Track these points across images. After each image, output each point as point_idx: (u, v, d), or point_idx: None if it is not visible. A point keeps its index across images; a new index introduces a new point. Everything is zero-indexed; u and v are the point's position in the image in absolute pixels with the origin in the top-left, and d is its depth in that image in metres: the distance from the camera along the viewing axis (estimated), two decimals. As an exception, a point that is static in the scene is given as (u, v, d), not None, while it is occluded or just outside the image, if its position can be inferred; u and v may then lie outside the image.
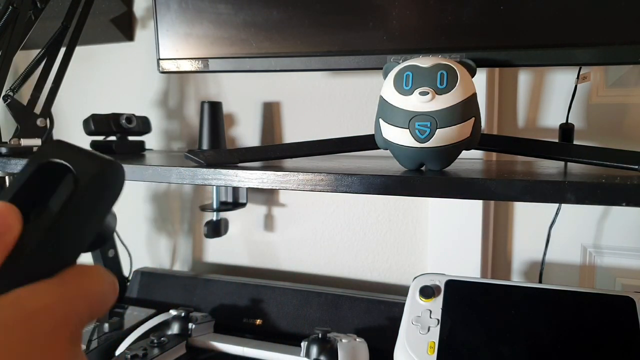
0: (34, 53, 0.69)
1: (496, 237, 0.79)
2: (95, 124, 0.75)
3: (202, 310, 0.80)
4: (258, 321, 0.79)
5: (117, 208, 0.99)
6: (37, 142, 0.68)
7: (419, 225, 0.81)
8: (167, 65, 0.62)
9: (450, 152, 0.43)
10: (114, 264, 0.95)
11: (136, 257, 1.01)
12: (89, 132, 0.76)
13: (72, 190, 0.22)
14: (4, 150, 0.63)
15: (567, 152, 0.48)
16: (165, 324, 0.71)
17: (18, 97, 0.67)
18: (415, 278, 0.62)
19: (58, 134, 1.01)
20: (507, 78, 0.74)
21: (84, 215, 0.22)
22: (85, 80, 1.03)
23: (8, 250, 0.20)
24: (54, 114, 0.71)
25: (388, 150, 0.46)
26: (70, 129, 1.04)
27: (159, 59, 0.62)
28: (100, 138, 0.79)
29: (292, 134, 0.88)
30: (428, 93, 0.41)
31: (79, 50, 0.72)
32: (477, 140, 0.44)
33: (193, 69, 0.61)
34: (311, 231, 0.88)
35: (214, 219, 0.86)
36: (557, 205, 0.71)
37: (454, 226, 0.76)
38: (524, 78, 0.74)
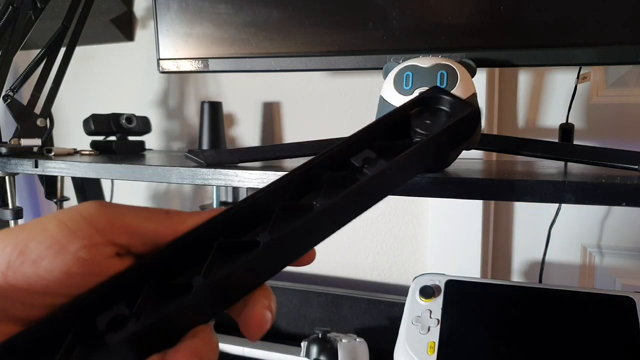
0: (34, 53, 0.69)
1: (496, 237, 0.79)
2: (95, 124, 0.75)
3: (202, 310, 0.80)
4: (258, 321, 0.78)
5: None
6: (37, 142, 0.68)
7: (419, 225, 0.81)
8: (167, 65, 0.62)
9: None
10: (114, 264, 0.95)
11: (136, 257, 1.01)
12: (89, 132, 0.76)
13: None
14: (4, 150, 0.63)
15: (567, 152, 0.48)
16: (165, 324, 0.71)
17: (18, 97, 0.67)
18: (415, 278, 0.62)
19: (58, 134, 1.01)
20: (507, 78, 0.74)
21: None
22: (85, 80, 1.03)
23: None
24: (54, 114, 0.71)
25: (388, 150, 0.46)
26: (70, 129, 1.04)
27: (159, 59, 0.62)
28: (101, 138, 0.78)
29: (292, 134, 0.88)
30: (428, 93, 0.41)
31: (79, 50, 0.72)
32: (477, 140, 0.44)
33: (193, 69, 0.61)
34: (311, 231, 0.88)
35: (214, 219, 0.86)
36: (557, 205, 0.71)
37: (454, 226, 0.76)
38: (524, 78, 0.74)
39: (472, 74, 0.45)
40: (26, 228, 0.22)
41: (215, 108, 0.81)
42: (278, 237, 0.23)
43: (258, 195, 0.25)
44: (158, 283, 0.23)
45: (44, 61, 0.69)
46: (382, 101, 0.44)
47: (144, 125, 0.81)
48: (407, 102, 0.28)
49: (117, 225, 0.22)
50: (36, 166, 0.60)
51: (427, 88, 0.41)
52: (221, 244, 0.24)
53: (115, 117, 0.77)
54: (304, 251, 0.25)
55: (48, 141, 0.71)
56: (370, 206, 0.26)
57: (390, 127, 0.28)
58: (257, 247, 0.23)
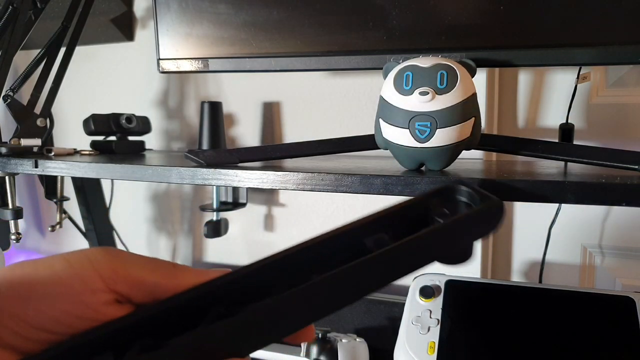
0: (34, 53, 0.69)
1: (496, 237, 0.79)
2: (95, 124, 0.75)
3: (202, 310, 0.80)
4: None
5: (117, 208, 0.99)
6: (37, 142, 0.68)
7: (419, 225, 0.81)
8: (167, 65, 0.62)
9: (450, 152, 0.43)
10: (114, 264, 0.95)
11: (136, 257, 1.01)
12: (89, 132, 0.76)
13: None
14: (4, 150, 0.63)
15: (567, 152, 0.48)
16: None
17: (18, 97, 0.67)
18: (415, 278, 0.62)
19: (58, 134, 1.01)
20: (507, 78, 0.74)
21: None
22: (85, 80, 1.03)
23: None
24: (54, 114, 0.71)
25: (388, 150, 0.46)
26: (70, 129, 1.04)
27: (159, 59, 0.62)
28: (100, 138, 0.79)
29: (292, 134, 0.88)
30: (428, 93, 0.41)
31: (79, 50, 0.72)
32: (477, 140, 0.44)
33: (193, 69, 0.61)
34: (311, 231, 0.88)
35: (214, 219, 0.86)
36: (557, 205, 0.71)
37: (454, 226, 0.76)
38: (524, 78, 0.74)
39: (472, 74, 0.45)
40: (35, 264, 0.22)
41: (215, 108, 0.81)
42: (268, 309, 0.23)
43: (263, 263, 0.24)
44: (151, 338, 0.22)
45: (44, 61, 0.69)
46: (382, 101, 0.44)
47: (144, 125, 0.81)
48: (429, 191, 0.28)
49: (120, 274, 0.23)
50: (36, 166, 0.60)
51: (427, 88, 0.41)
52: (218, 312, 0.23)
53: (115, 117, 0.77)
54: (296, 328, 0.24)
55: (48, 141, 0.71)
56: (374, 288, 0.24)
57: (408, 213, 0.27)
58: (245, 319, 0.22)
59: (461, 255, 0.27)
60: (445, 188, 0.28)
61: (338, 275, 0.23)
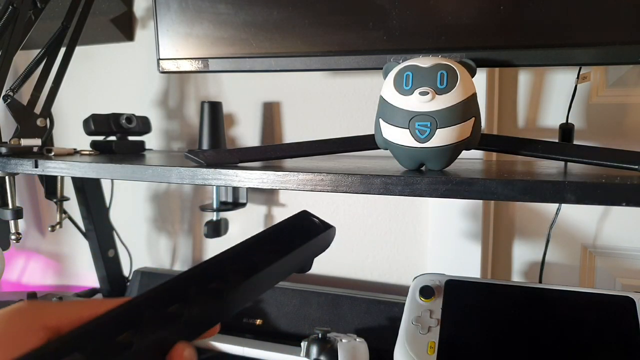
0: (34, 53, 0.69)
1: (496, 237, 0.79)
2: (95, 124, 0.75)
3: (202, 310, 0.80)
4: (258, 321, 0.79)
5: (117, 208, 0.99)
6: (37, 142, 0.68)
7: (419, 225, 0.81)
8: (167, 65, 0.62)
9: (450, 152, 0.43)
10: (114, 264, 0.95)
11: (136, 257, 1.01)
12: (89, 132, 0.76)
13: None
14: (4, 150, 0.63)
15: (567, 152, 0.48)
16: (165, 324, 0.71)
17: (18, 97, 0.67)
18: (415, 278, 0.62)
19: (58, 134, 1.01)
20: (507, 78, 0.74)
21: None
22: (85, 80, 1.03)
23: None
24: (54, 114, 0.71)
25: (388, 150, 0.46)
26: (70, 129, 1.04)
27: (159, 59, 0.62)
28: (100, 138, 0.79)
29: (292, 134, 0.88)
30: (428, 93, 0.41)
31: (79, 50, 0.72)
32: (477, 140, 0.44)
33: (193, 69, 0.61)
34: (311, 231, 0.88)
35: (214, 219, 0.86)
36: (557, 205, 0.71)
37: (454, 226, 0.76)
38: (524, 78, 0.74)
39: (472, 74, 0.45)
40: None
41: (215, 108, 0.81)
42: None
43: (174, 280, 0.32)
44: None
45: (44, 61, 0.69)
46: (382, 101, 0.44)
47: (144, 125, 0.81)
48: (290, 217, 0.37)
49: (47, 312, 0.29)
50: (36, 166, 0.60)
51: (427, 88, 0.41)
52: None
53: (115, 117, 0.77)
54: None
55: (48, 141, 0.71)
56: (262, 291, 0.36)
57: (278, 233, 0.37)
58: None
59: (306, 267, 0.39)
60: (296, 218, 0.38)
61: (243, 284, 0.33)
